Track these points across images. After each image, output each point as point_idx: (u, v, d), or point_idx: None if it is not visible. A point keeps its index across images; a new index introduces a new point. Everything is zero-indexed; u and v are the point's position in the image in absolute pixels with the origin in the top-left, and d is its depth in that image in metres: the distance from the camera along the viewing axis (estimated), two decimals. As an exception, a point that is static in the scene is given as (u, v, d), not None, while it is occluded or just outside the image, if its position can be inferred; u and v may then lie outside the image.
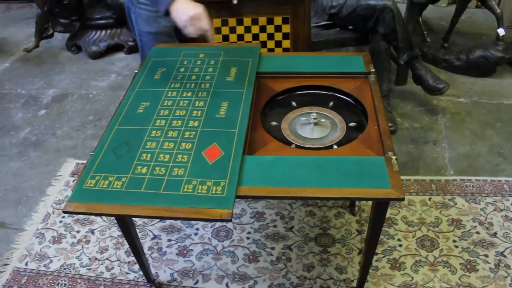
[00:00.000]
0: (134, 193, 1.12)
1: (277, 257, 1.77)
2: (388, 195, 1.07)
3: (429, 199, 1.96)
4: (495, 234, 1.80)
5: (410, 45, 2.23)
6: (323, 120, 1.38)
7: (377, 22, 2.18)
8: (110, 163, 1.21)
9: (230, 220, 1.04)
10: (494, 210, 1.89)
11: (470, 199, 1.95)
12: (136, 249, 1.50)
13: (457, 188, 2.00)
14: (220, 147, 1.22)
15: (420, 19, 2.90)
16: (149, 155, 1.22)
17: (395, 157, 1.16)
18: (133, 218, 1.89)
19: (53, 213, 2.01)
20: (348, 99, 1.45)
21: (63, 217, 1.99)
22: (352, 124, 1.38)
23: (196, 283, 1.70)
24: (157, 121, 1.33)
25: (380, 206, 1.24)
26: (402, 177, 2.05)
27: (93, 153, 1.26)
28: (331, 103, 1.45)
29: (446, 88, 2.25)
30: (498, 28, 2.50)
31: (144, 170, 1.18)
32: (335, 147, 1.29)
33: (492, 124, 2.33)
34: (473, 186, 2.00)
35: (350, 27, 2.39)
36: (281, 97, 1.48)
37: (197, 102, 1.39)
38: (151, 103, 1.41)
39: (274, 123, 1.39)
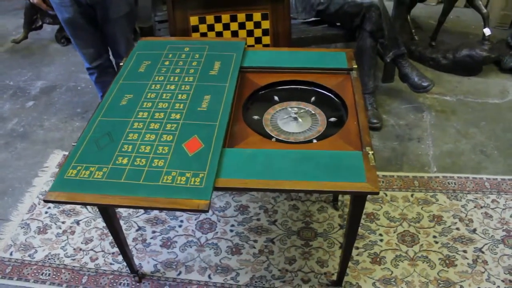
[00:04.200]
0: (114, 183, 1.14)
1: (259, 250, 1.79)
2: (363, 189, 1.09)
3: (412, 195, 1.99)
4: (474, 231, 1.83)
5: (396, 43, 2.26)
6: (304, 115, 1.40)
7: (363, 19, 2.20)
8: (91, 154, 1.22)
9: (207, 211, 1.05)
10: (475, 207, 1.93)
11: (452, 196, 1.98)
12: (119, 240, 1.52)
13: (439, 185, 2.03)
14: (201, 139, 1.24)
15: (409, 17, 2.92)
16: (130, 147, 1.24)
17: (372, 152, 1.18)
18: (118, 210, 1.91)
19: (39, 204, 2.01)
20: (329, 94, 1.47)
21: (49, 208, 1.99)
22: (332, 119, 1.40)
23: (179, 274, 1.72)
24: (140, 113, 1.35)
25: (358, 199, 1.26)
26: (386, 173, 2.09)
27: (75, 143, 1.27)
28: (313, 98, 1.47)
29: (431, 86, 2.27)
30: (484, 28, 2.53)
31: (125, 161, 1.19)
32: (314, 141, 1.31)
33: (476, 123, 2.36)
34: (455, 183, 2.04)
35: (338, 24, 2.41)
36: (263, 91, 1.50)
37: (180, 95, 1.41)
38: (134, 95, 1.42)
39: (256, 117, 1.41)
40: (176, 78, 1.48)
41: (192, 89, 1.43)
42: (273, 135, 1.34)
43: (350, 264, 1.72)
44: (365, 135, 1.25)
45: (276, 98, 1.48)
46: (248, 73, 1.55)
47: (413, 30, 2.88)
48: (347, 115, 1.36)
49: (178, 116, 1.32)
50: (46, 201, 1.12)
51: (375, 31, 2.21)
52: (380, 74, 2.62)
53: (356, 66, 1.50)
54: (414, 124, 2.37)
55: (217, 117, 1.31)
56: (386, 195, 1.99)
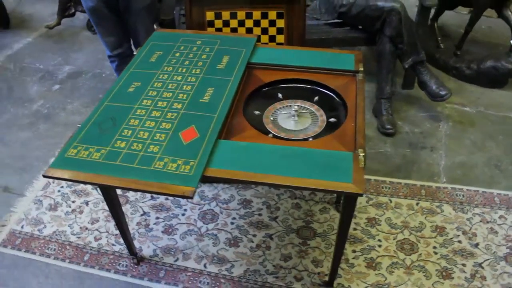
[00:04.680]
0: (109, 165, 1.19)
1: (257, 244, 1.81)
2: (348, 189, 1.10)
3: (417, 204, 1.97)
4: (477, 245, 1.80)
5: (415, 50, 2.23)
6: (304, 113, 1.42)
7: (384, 23, 2.19)
8: (93, 136, 1.28)
9: (191, 197, 1.09)
10: (481, 221, 1.89)
11: (458, 208, 1.95)
12: (119, 220, 1.58)
13: (447, 196, 2.00)
14: (198, 129, 1.27)
15: (436, 24, 2.87)
16: (130, 131, 1.29)
17: (363, 154, 1.19)
18: (125, 194, 1.98)
19: (53, 183, 2.11)
20: (332, 95, 1.48)
21: (62, 187, 2.08)
22: (332, 119, 1.41)
23: (176, 260, 1.76)
24: (144, 101, 1.40)
25: (349, 200, 1.27)
26: (393, 180, 2.07)
27: (79, 125, 1.33)
28: (316, 98, 1.49)
29: (449, 95, 2.23)
30: (512, 39, 2.47)
31: (123, 145, 1.24)
32: (311, 140, 1.33)
33: (494, 136, 2.31)
34: (463, 195, 2.00)
35: (360, 28, 2.41)
36: (268, 88, 1.52)
37: (185, 86, 1.45)
38: (142, 83, 1.47)
39: (257, 112, 1.44)
40: (184, 69, 1.53)
41: (197, 81, 1.47)
42: (271, 131, 1.36)
43: (345, 266, 1.73)
44: (360, 137, 1.25)
45: (279, 95, 1.50)
46: (255, 69, 1.57)
47: (439, 38, 2.83)
48: (347, 117, 1.37)
49: (179, 106, 1.37)
50: (44, 176, 1.19)
51: (394, 36, 2.19)
52: (400, 80, 2.59)
53: (362, 69, 1.51)
54: (429, 133, 2.34)
55: (217, 109, 1.34)
56: (391, 201, 1.98)
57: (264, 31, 1.78)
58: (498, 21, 3.14)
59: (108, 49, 2.11)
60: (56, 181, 2.11)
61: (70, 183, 2.09)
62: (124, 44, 2.12)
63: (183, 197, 1.09)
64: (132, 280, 1.71)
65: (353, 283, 1.68)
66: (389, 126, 2.28)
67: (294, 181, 1.12)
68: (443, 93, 2.23)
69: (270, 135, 1.34)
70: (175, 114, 1.34)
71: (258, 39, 1.78)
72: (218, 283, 1.69)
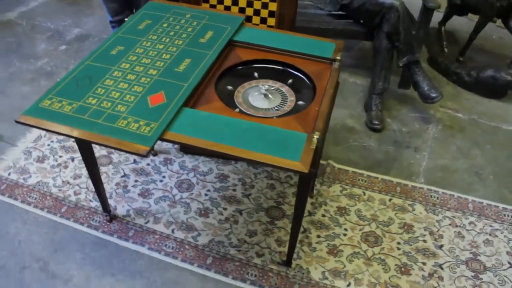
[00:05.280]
0: (77, 118, 1.26)
1: (226, 217, 1.88)
2: (293, 167, 1.15)
3: (390, 200, 2.00)
4: (441, 247, 1.82)
5: (411, 49, 2.24)
6: (274, 94, 1.46)
7: (382, 19, 2.21)
8: (68, 91, 1.35)
9: (145, 156, 1.15)
10: (450, 224, 1.91)
11: (430, 209, 1.97)
12: (94, 176, 1.66)
13: (421, 195, 2.02)
14: (166, 95, 1.33)
15: (443, 28, 2.86)
16: (103, 90, 1.35)
17: (317, 137, 1.23)
18: (109, 155, 2.06)
19: (45, 136, 2.20)
20: (306, 79, 1.52)
21: (52, 141, 2.18)
22: (300, 102, 1.45)
23: (146, 222, 1.84)
24: (123, 64, 1.46)
25: (302, 179, 1.32)
26: (371, 174, 2.10)
27: (59, 79, 1.40)
28: (290, 81, 1.53)
29: (439, 98, 2.24)
30: (515, 51, 2.45)
31: (93, 101, 1.31)
32: (274, 118, 1.37)
33: (481, 145, 2.31)
34: (438, 197, 2.02)
35: (361, 22, 2.42)
36: (245, 66, 1.57)
37: (164, 55, 1.51)
38: (125, 48, 1.54)
39: (229, 88, 1.49)
40: (168, 39, 1.58)
41: (177, 51, 1.53)
42: (238, 106, 1.41)
43: (306, 249, 1.78)
44: (320, 121, 1.29)
45: (255, 74, 1.55)
46: (237, 47, 1.62)
47: (444, 42, 2.82)
48: (313, 101, 1.41)
49: (154, 72, 1.43)
50: (16, 122, 1.26)
51: (391, 33, 2.20)
52: (397, 79, 2.59)
53: (339, 58, 1.54)
54: (416, 134, 2.35)
55: (189, 79, 1.40)
56: (365, 194, 2.02)
57: (256, 12, 1.82)
58: (510, 32, 3.09)
59: (110, 14, 2.18)
60: (47, 135, 2.20)
61: (60, 138, 2.19)
62: (125, 11, 2.18)
63: (137, 154, 1.16)
64: (102, 235, 1.79)
65: (312, 266, 1.73)
66: (376, 122, 2.31)
67: (244, 153, 1.17)
68: (433, 95, 2.24)
69: (237, 109, 1.39)
70: (149, 79, 1.40)
71: (248, 19, 1.82)
72: (182, 249, 1.76)
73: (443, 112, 2.50)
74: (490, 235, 1.87)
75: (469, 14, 2.96)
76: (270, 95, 1.45)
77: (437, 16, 2.98)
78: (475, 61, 2.75)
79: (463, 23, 3.16)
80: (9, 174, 2.01)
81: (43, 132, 2.22)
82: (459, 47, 2.80)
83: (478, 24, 2.58)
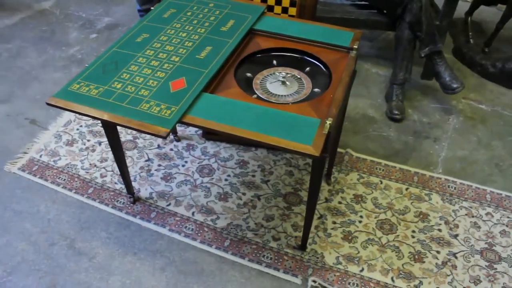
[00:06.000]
0: (102, 101, 1.34)
1: (244, 202, 1.94)
2: (305, 150, 1.19)
3: (406, 189, 2.02)
4: (456, 236, 1.83)
5: (433, 39, 2.23)
6: (291, 81, 1.50)
7: (405, 9, 2.21)
8: (96, 75, 1.43)
9: (165, 137, 1.22)
10: (466, 214, 1.92)
11: (447, 199, 1.98)
12: (119, 159, 1.74)
13: (438, 185, 2.03)
14: (187, 81, 1.39)
15: (469, 19, 2.83)
16: (128, 75, 1.43)
17: (330, 122, 1.26)
18: (134, 140, 2.15)
19: (74, 121, 2.31)
20: (323, 68, 1.56)
21: (81, 126, 2.28)
22: (316, 89, 1.49)
23: (168, 205, 1.92)
24: (148, 51, 1.53)
25: (315, 163, 1.36)
26: (389, 163, 2.12)
27: (87, 65, 1.48)
28: (307, 68, 1.57)
29: (460, 88, 2.23)
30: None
31: (119, 86, 1.39)
32: (290, 104, 1.41)
33: (503, 137, 2.29)
34: (455, 188, 2.03)
35: (384, 12, 2.42)
36: (265, 54, 1.61)
37: (186, 43, 1.57)
38: (150, 35, 1.60)
39: (248, 74, 1.54)
40: (191, 27, 1.64)
41: (199, 39, 1.58)
42: (256, 92, 1.46)
43: (322, 235, 1.82)
44: (334, 108, 1.33)
45: (274, 62, 1.59)
46: (257, 36, 1.67)
47: (470, 33, 2.78)
48: (328, 88, 1.44)
49: (177, 59, 1.49)
50: (47, 104, 1.35)
51: (413, 23, 2.20)
52: (420, 70, 2.59)
53: (356, 47, 1.56)
54: (436, 124, 2.35)
55: (209, 66, 1.45)
56: (382, 182, 2.04)
57: (278, 2, 1.86)
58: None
59: (139, 3, 2.26)
60: (76, 119, 2.31)
61: (89, 123, 2.29)
62: (153, 1, 2.26)
63: (157, 135, 1.22)
64: (126, 216, 1.88)
65: (326, 251, 1.77)
66: (396, 112, 2.32)
67: (259, 136, 1.22)
68: (455, 85, 2.23)
69: (254, 95, 1.44)
70: (171, 65, 1.46)
71: (270, 9, 1.86)
72: (201, 231, 1.83)
73: (465, 103, 2.48)
74: (507, 226, 1.87)
75: (498, 5, 2.91)
76: (287, 82, 1.49)
77: (465, 6, 2.95)
78: (501, 52, 2.71)
79: (491, 14, 3.11)
80: (40, 156, 2.13)
81: (73, 117, 2.33)
82: (485, 38, 2.76)
83: (505, 14, 2.54)
